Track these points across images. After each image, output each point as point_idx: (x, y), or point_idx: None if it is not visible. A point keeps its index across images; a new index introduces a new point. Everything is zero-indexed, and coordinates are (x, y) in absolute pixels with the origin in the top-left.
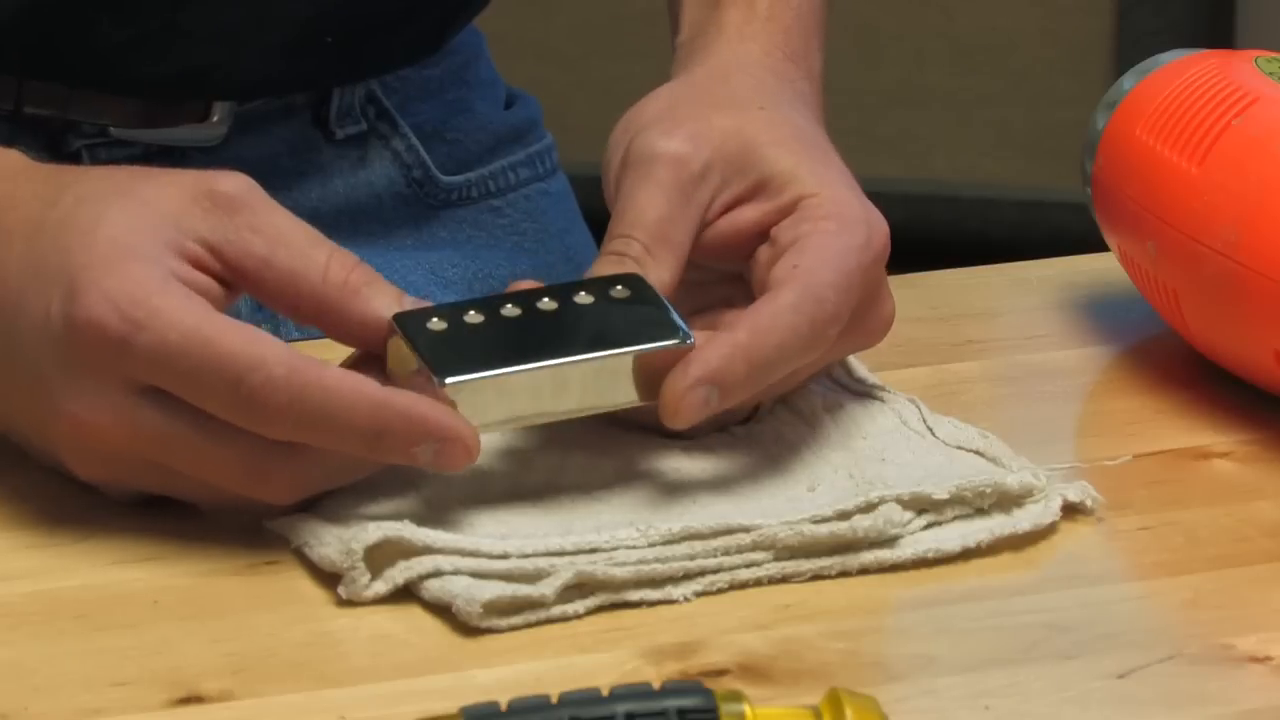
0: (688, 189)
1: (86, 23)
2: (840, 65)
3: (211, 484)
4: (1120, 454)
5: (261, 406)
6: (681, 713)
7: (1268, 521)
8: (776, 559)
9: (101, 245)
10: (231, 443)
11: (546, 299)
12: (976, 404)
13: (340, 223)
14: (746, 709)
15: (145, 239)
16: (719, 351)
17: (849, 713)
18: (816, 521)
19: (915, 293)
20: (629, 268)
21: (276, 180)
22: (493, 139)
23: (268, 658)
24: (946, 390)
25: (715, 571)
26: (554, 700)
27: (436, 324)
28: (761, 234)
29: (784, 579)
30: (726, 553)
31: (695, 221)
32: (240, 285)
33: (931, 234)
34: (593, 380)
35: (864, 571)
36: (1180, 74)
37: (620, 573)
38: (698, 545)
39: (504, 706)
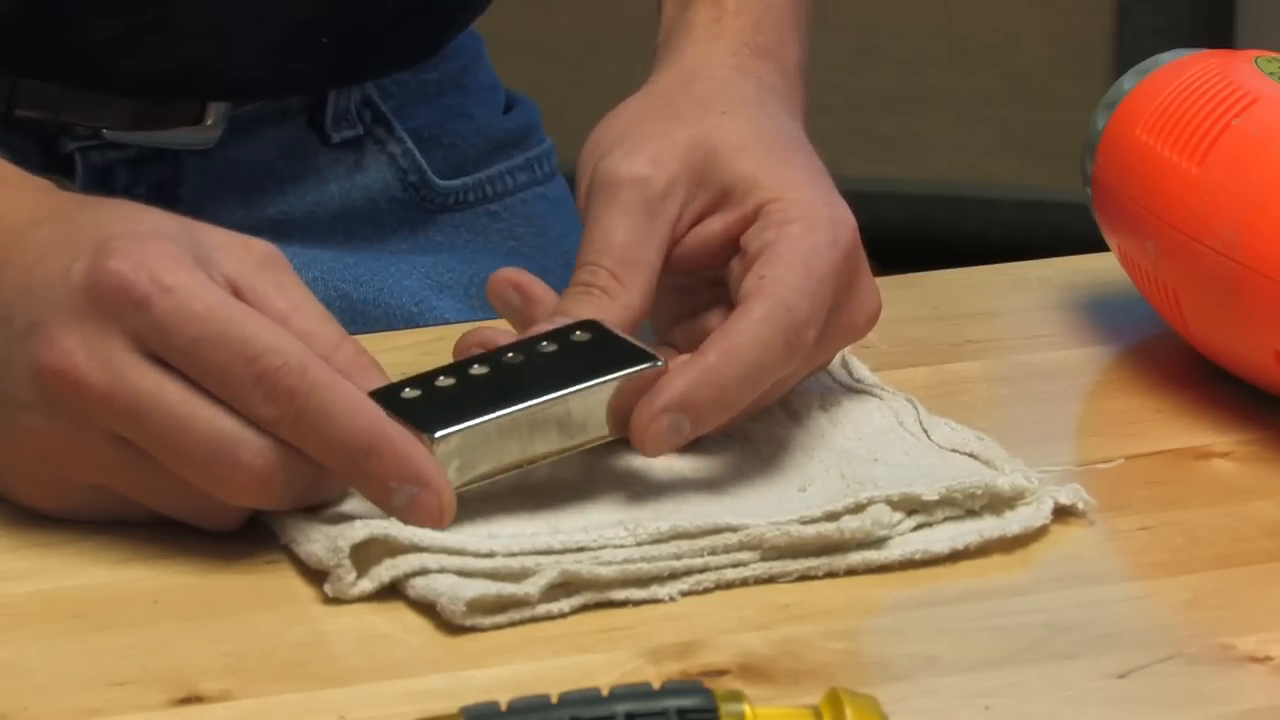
0: (653, 208)
1: (76, 17)
2: (840, 65)
3: (159, 486)
4: (1116, 455)
5: (270, 387)
6: (681, 713)
7: (1268, 521)
8: (763, 559)
9: (142, 227)
10: (208, 423)
11: (511, 353)
12: (976, 404)
13: (335, 227)
14: (746, 709)
15: (182, 246)
16: (686, 378)
17: (849, 713)
18: (805, 522)
19: (915, 293)
20: (596, 298)
21: (271, 184)
22: (490, 144)
23: (267, 658)
24: (946, 390)
25: (701, 571)
26: (554, 700)
27: (410, 393)
28: (730, 243)
29: (771, 579)
30: (713, 552)
31: (663, 240)
32: None
33: (931, 234)
34: (573, 416)
35: (851, 572)
36: (1180, 74)
37: (606, 572)
38: (684, 545)
39: (504, 706)
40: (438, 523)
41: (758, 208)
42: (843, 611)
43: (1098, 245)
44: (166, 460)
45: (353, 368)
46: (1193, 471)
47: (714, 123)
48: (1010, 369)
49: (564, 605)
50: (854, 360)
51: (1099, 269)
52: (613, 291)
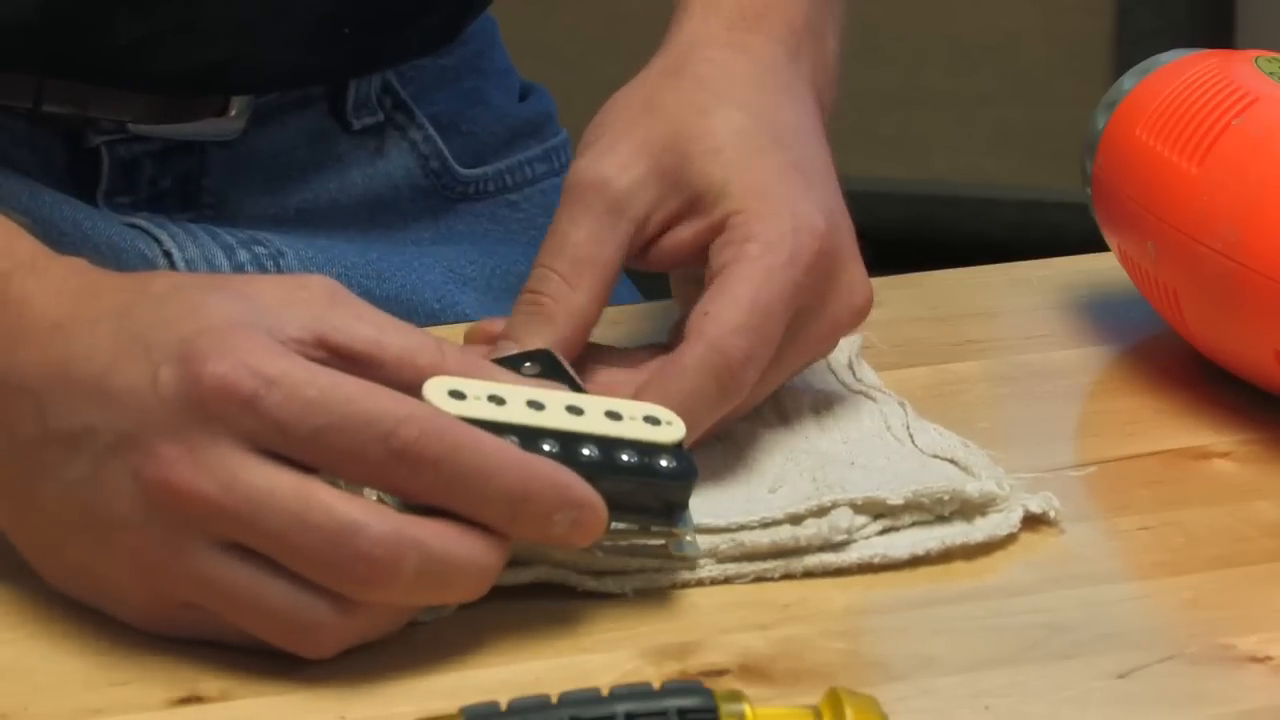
0: (616, 207)
1: (104, 19)
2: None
3: (258, 604)
4: (1116, 455)
5: (415, 460)
6: (681, 713)
7: (1268, 521)
8: (719, 562)
9: (214, 317)
10: (327, 512)
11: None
12: (976, 404)
13: (359, 215)
14: (746, 709)
15: (253, 321)
16: None
17: (849, 713)
18: (766, 524)
19: (915, 293)
20: (541, 320)
21: (294, 173)
22: (508, 131)
23: (268, 657)
24: (946, 390)
25: (657, 571)
26: (554, 700)
27: None
28: (702, 249)
29: (726, 580)
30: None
31: (624, 238)
32: (349, 368)
33: (931, 234)
34: None
35: (809, 575)
36: (1180, 74)
37: (558, 554)
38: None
39: (504, 706)
40: (599, 535)
41: (724, 218)
42: (843, 611)
43: (1098, 245)
44: (285, 558)
45: (468, 367)
46: (1193, 471)
47: (692, 121)
48: (1010, 369)
49: (508, 579)
50: (861, 363)
51: (1099, 269)
52: (562, 296)
